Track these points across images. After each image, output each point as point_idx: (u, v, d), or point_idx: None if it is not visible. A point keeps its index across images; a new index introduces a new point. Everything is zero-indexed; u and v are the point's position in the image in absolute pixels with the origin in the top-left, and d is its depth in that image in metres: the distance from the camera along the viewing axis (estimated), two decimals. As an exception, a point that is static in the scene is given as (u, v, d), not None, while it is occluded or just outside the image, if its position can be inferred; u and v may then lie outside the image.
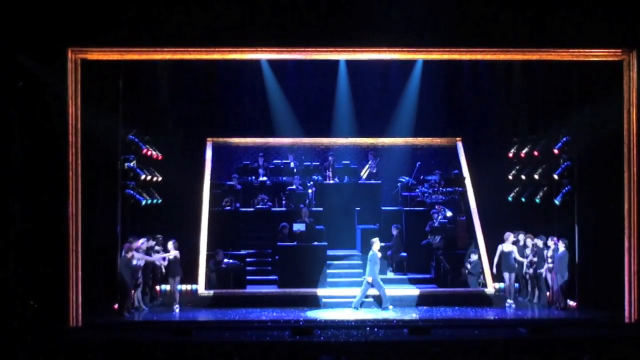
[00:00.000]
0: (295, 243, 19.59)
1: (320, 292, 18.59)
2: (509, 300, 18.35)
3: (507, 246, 18.53)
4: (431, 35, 15.67)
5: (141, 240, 17.94)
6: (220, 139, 23.42)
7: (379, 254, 18.18)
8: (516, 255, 18.51)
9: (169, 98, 21.52)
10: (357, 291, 18.31)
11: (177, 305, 17.96)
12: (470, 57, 17.01)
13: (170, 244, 18.19)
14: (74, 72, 15.57)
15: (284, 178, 22.76)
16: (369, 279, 17.86)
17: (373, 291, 18.25)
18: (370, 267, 17.96)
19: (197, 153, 22.31)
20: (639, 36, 15.63)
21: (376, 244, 18.25)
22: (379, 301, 18.13)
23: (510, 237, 18.55)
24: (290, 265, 19.25)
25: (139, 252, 17.70)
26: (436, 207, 20.91)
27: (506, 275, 18.60)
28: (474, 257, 19.36)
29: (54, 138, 15.49)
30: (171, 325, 16.45)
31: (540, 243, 18.54)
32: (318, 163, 23.42)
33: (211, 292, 18.70)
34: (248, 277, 19.51)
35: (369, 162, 23.06)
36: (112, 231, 17.57)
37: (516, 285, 19.83)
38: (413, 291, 18.75)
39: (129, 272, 17.29)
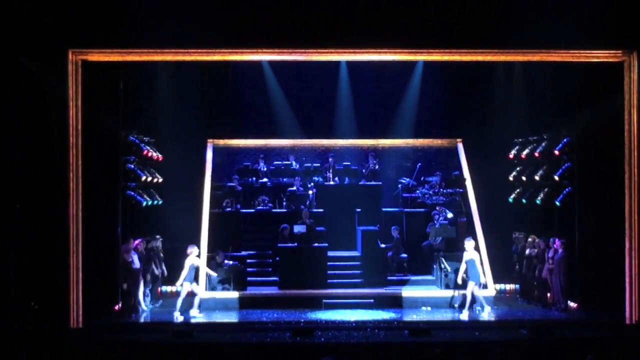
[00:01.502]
0: (296, 244, 19.59)
1: (320, 293, 18.59)
2: (465, 312, 17.57)
3: (467, 254, 17.74)
4: (432, 36, 15.68)
5: (137, 241, 17.97)
6: (221, 141, 23.44)
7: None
8: (477, 263, 17.63)
9: (170, 99, 21.50)
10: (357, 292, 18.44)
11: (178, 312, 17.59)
12: (471, 59, 16.96)
13: (194, 249, 17.83)
14: (75, 73, 15.56)
15: (285, 179, 22.78)
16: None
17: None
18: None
19: (197, 154, 22.32)
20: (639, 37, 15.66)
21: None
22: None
23: (471, 243, 17.84)
24: (291, 266, 19.26)
25: (136, 253, 17.74)
26: (437, 208, 20.93)
27: (471, 284, 17.66)
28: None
29: (54, 139, 15.48)
30: (172, 326, 16.45)
31: (541, 244, 18.56)
32: (319, 164, 23.44)
33: (212, 293, 18.70)
34: (248, 279, 19.51)
35: (370, 162, 23.08)
36: (113, 232, 17.56)
37: (516, 286, 19.88)
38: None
39: (130, 274, 17.32)
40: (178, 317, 17.24)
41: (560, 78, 18.37)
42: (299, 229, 19.80)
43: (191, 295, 17.74)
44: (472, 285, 17.65)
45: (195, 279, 17.83)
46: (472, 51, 16.30)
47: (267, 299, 18.62)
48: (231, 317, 17.52)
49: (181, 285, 17.58)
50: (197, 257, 17.83)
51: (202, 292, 18.03)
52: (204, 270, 18.35)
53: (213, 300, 18.50)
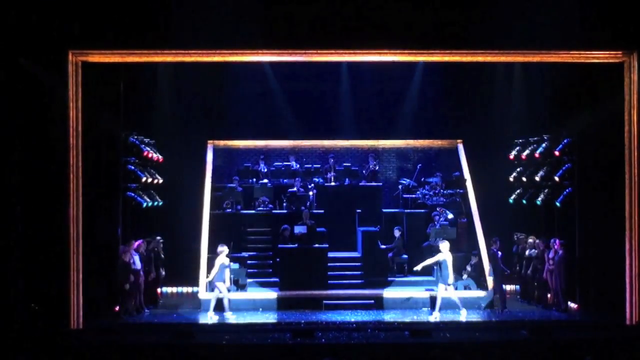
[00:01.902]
0: (297, 245, 19.58)
1: (321, 294, 18.58)
2: (435, 313, 17.38)
3: (441, 255, 17.52)
4: (432, 37, 15.69)
5: (138, 242, 17.99)
6: (221, 142, 23.47)
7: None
8: (449, 265, 17.42)
9: (170, 100, 21.55)
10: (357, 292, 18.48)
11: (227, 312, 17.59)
12: (472, 59, 16.98)
13: (224, 249, 17.85)
14: (75, 74, 15.56)
15: (285, 180, 22.78)
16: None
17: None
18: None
19: (198, 155, 22.33)
20: (640, 38, 15.65)
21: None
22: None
23: (445, 245, 17.68)
24: (291, 267, 19.25)
25: (137, 253, 17.76)
26: (437, 209, 20.93)
27: (442, 286, 17.52)
28: (474, 259, 19.36)
29: (54, 140, 15.48)
30: (172, 327, 16.45)
31: (541, 245, 18.57)
32: (319, 165, 23.44)
33: (212, 294, 18.69)
34: (249, 280, 19.50)
35: (370, 163, 23.07)
36: (113, 233, 17.57)
37: (517, 287, 19.93)
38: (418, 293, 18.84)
39: (130, 274, 17.34)
40: (229, 317, 17.34)
41: (561, 79, 18.38)
42: (299, 229, 19.79)
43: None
44: (443, 287, 17.52)
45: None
46: (472, 52, 16.30)
47: (267, 299, 18.60)
48: (231, 318, 17.49)
49: (212, 283, 17.67)
50: (226, 256, 17.80)
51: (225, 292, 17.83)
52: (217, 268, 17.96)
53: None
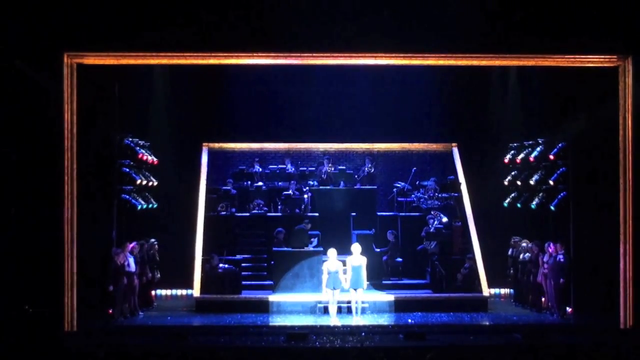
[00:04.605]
0: (291, 248, 19.57)
1: (315, 297, 18.57)
2: (355, 317, 17.44)
3: (356, 259, 17.55)
4: (427, 41, 15.69)
5: (132, 244, 17.98)
6: (216, 144, 23.45)
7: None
8: (363, 270, 17.45)
9: (165, 102, 21.54)
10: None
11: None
12: (466, 63, 16.98)
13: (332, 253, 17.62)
14: (70, 76, 15.51)
15: (280, 183, 22.77)
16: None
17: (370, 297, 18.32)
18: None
19: (192, 158, 22.32)
20: (635, 42, 15.66)
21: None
22: None
23: (358, 248, 17.70)
24: (286, 270, 19.23)
25: (132, 256, 17.74)
26: (432, 212, 20.93)
27: (353, 291, 17.53)
28: (468, 262, 19.36)
29: (49, 143, 15.45)
30: (166, 330, 16.43)
31: (535, 249, 18.58)
32: (314, 168, 23.42)
33: (206, 296, 18.69)
34: (243, 282, 19.48)
35: (365, 166, 23.05)
36: (108, 236, 17.55)
37: (511, 291, 19.94)
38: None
39: (123, 277, 17.31)
40: (330, 322, 17.23)
41: (556, 83, 18.40)
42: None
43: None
44: (355, 290, 17.53)
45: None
46: (467, 56, 16.32)
47: (261, 302, 18.59)
48: (226, 321, 17.48)
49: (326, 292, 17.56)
50: (337, 261, 17.49)
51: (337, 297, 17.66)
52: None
53: (208, 302, 18.51)
